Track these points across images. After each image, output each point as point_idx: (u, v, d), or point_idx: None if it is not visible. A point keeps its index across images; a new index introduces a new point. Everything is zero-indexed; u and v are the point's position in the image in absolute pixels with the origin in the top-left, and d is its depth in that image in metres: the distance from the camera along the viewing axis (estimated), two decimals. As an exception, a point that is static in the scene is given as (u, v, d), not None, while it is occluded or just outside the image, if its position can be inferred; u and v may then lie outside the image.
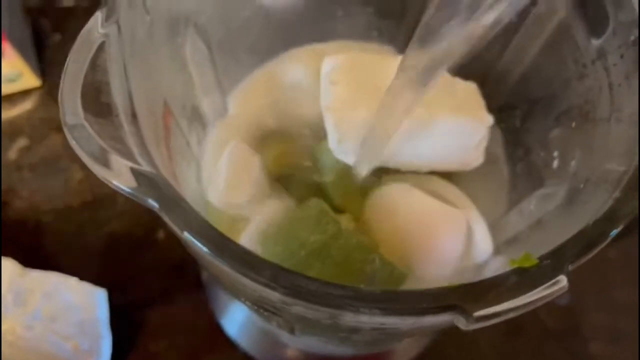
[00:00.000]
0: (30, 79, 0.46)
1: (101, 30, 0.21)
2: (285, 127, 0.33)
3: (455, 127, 0.30)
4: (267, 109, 0.33)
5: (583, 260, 0.18)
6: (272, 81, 0.34)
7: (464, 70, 0.31)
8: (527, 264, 0.18)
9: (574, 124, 0.27)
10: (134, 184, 0.18)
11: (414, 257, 0.29)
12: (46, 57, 0.49)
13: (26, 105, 0.48)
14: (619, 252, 0.45)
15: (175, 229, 0.19)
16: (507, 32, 0.30)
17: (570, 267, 0.18)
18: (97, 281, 0.38)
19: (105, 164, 0.18)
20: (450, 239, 0.30)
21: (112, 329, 0.38)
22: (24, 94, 0.48)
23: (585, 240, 0.19)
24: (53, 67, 0.48)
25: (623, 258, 0.45)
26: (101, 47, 0.21)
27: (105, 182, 0.18)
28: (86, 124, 0.18)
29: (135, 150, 0.19)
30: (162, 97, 0.26)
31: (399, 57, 0.31)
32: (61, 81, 0.19)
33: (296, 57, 0.34)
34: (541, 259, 0.18)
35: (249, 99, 0.33)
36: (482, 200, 0.31)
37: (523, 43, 0.30)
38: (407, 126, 0.29)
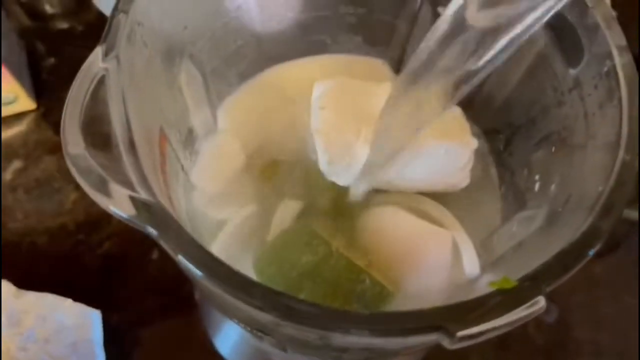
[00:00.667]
0: (25, 102, 0.47)
1: (101, 65, 0.22)
2: (275, 140, 0.34)
3: (442, 150, 0.31)
4: (256, 121, 0.34)
5: (560, 281, 0.19)
6: (262, 93, 0.35)
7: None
8: (506, 286, 0.19)
9: (553, 149, 0.28)
10: (133, 212, 0.19)
11: (402, 276, 0.30)
12: (41, 80, 0.50)
13: (21, 128, 0.48)
14: (605, 269, 0.46)
15: (170, 252, 0.19)
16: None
17: (547, 289, 0.19)
18: (91, 302, 0.39)
19: (106, 192, 0.19)
20: (436, 257, 0.31)
21: (106, 349, 0.38)
22: (19, 116, 0.48)
23: (562, 262, 0.20)
24: (47, 90, 0.49)
25: (608, 274, 0.47)
26: (101, 81, 0.22)
27: (106, 210, 0.19)
28: (87, 155, 0.19)
29: (134, 179, 0.20)
30: (159, 123, 0.27)
31: (387, 84, 0.33)
32: (63, 113, 0.20)
33: (286, 70, 0.35)
34: (520, 281, 0.19)
35: (238, 112, 0.34)
36: (474, 220, 0.32)
37: (505, 71, 0.31)
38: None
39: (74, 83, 0.21)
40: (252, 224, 0.31)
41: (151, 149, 0.24)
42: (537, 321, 0.44)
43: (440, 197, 0.32)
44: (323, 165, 0.31)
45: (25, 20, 0.53)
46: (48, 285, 0.41)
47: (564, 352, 0.44)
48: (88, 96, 0.21)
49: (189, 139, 0.30)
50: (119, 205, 0.19)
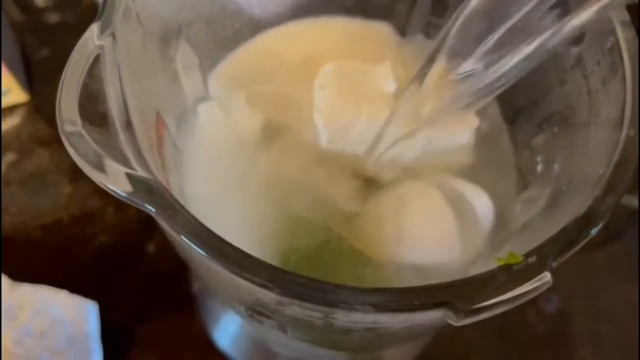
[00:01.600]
0: (18, 95, 0.47)
1: (97, 42, 0.21)
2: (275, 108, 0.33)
3: (443, 129, 0.31)
4: (254, 85, 0.33)
5: (565, 256, 0.19)
6: (258, 56, 0.34)
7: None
8: (512, 261, 0.18)
9: (555, 129, 0.27)
10: (129, 188, 0.19)
11: (411, 250, 0.29)
12: (33, 72, 0.49)
13: (14, 121, 0.48)
14: (606, 258, 0.46)
15: (171, 232, 0.19)
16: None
17: (554, 264, 0.19)
18: (87, 295, 0.38)
19: (102, 169, 0.19)
20: (446, 224, 0.30)
21: (102, 343, 0.38)
22: (12, 109, 0.48)
23: (566, 237, 0.20)
24: (40, 82, 0.49)
25: (609, 264, 0.46)
26: (97, 58, 0.21)
27: (102, 186, 0.19)
28: (83, 132, 0.19)
29: (131, 156, 0.19)
30: (155, 108, 0.26)
31: (387, 63, 0.32)
32: (59, 90, 0.20)
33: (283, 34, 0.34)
34: (526, 256, 0.19)
35: (234, 77, 0.33)
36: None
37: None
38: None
39: (69, 61, 0.21)
40: (249, 203, 0.30)
41: (148, 130, 0.24)
42: (537, 310, 0.44)
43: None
44: (323, 143, 0.31)
45: (17, 14, 0.53)
46: (43, 279, 0.40)
47: (564, 342, 0.44)
48: (84, 74, 0.21)
49: (186, 124, 0.30)
50: (115, 182, 0.18)
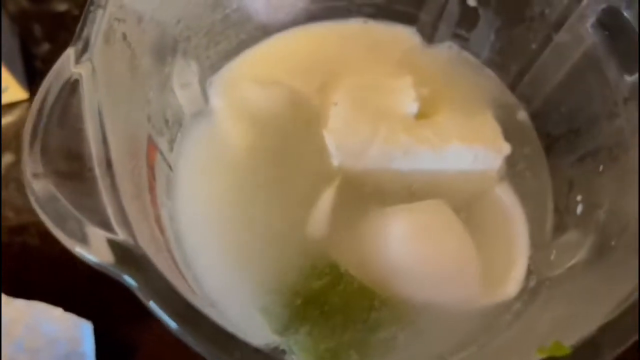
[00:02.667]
0: (16, 92, 0.44)
1: (74, 69, 0.18)
2: (276, 110, 0.29)
3: (468, 154, 0.27)
4: (256, 92, 0.30)
5: (624, 346, 0.16)
6: (261, 62, 0.31)
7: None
8: (558, 354, 0.15)
9: (601, 168, 0.24)
10: (111, 259, 0.16)
11: (427, 296, 0.27)
12: (34, 67, 0.46)
13: (12, 118, 0.45)
14: None
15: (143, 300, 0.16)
16: (526, 58, 0.28)
17: (609, 357, 0.16)
18: (82, 310, 0.36)
19: (80, 237, 0.16)
20: (464, 263, 0.27)
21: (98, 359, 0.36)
22: (10, 106, 0.45)
23: (626, 323, 0.16)
24: (41, 78, 0.46)
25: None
26: (73, 88, 0.18)
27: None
28: (54, 189, 0.16)
29: (111, 212, 0.17)
30: (146, 132, 0.23)
31: (409, 81, 0.29)
32: (24, 131, 0.17)
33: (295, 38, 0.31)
34: (576, 349, 0.16)
35: (234, 85, 0.30)
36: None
37: (543, 72, 0.27)
38: (416, 150, 0.27)
39: (39, 91, 0.18)
40: (250, 235, 0.27)
41: (136, 165, 0.21)
42: None
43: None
44: (336, 163, 0.27)
45: (24, 2, 0.50)
46: (38, 290, 0.38)
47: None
48: (58, 108, 0.18)
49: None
50: (96, 252, 0.16)
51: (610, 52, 0.23)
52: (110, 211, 0.17)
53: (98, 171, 0.18)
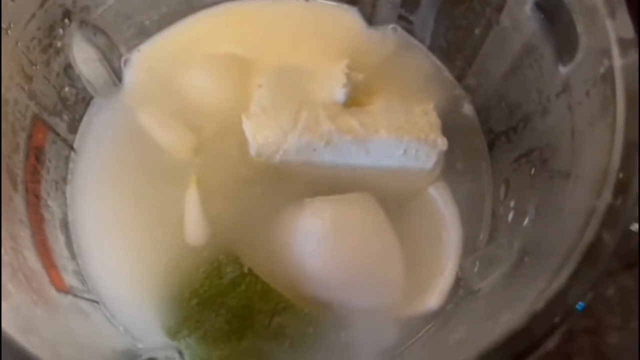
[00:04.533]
0: None
1: None
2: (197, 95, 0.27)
3: (396, 147, 0.25)
4: (175, 75, 0.27)
5: None
6: (184, 40, 0.28)
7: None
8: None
9: (533, 171, 0.21)
10: None
11: (340, 295, 0.24)
12: None
13: None
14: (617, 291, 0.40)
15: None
16: (470, 46, 0.25)
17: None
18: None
19: None
20: (386, 266, 0.25)
21: None
22: None
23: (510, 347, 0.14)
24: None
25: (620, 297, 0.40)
26: None
27: None
28: None
29: None
30: (31, 112, 0.21)
31: (344, 65, 0.26)
32: None
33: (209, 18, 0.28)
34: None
35: (155, 63, 0.27)
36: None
37: (487, 62, 0.25)
38: (339, 141, 0.24)
39: None
40: (152, 218, 0.25)
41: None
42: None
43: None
44: (252, 152, 0.25)
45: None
46: None
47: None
48: None
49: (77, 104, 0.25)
50: None
51: (548, 39, 0.20)
52: None
53: None
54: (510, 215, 0.22)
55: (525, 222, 0.21)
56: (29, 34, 0.21)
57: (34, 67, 0.22)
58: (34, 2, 0.21)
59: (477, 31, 0.24)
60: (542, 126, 0.21)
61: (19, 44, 0.20)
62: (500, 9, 0.22)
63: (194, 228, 0.24)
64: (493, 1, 0.23)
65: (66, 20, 0.22)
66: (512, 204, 0.23)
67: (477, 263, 0.22)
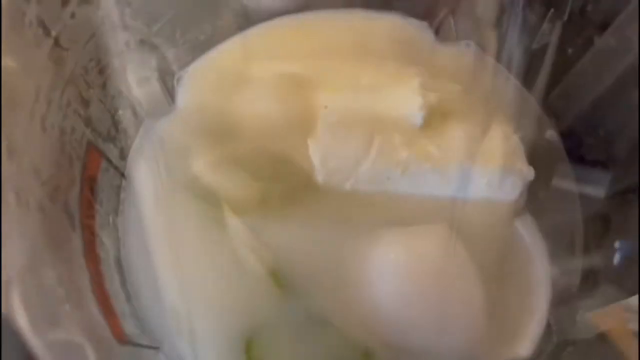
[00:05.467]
0: None
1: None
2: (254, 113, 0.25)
3: (480, 176, 0.23)
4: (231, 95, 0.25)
5: None
6: (240, 55, 0.26)
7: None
8: None
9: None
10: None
11: (418, 342, 0.22)
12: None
13: None
14: None
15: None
16: (559, 65, 0.23)
17: None
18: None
19: None
20: (468, 309, 0.23)
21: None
22: None
23: None
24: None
25: None
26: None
27: None
28: None
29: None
30: (85, 138, 0.19)
31: (416, 84, 0.24)
32: None
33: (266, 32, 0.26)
34: None
35: (201, 87, 0.25)
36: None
37: (579, 83, 0.22)
38: (417, 169, 0.22)
39: None
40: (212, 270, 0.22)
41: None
42: None
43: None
44: (319, 179, 0.23)
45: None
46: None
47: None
48: None
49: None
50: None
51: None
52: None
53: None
54: (617, 258, 0.20)
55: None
56: (88, 54, 0.19)
57: (91, 91, 0.19)
58: (93, 19, 0.18)
59: (569, 50, 0.22)
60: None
61: (77, 64, 0.18)
62: (604, 27, 0.20)
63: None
64: (595, 18, 0.21)
65: (122, 38, 0.20)
66: (616, 244, 0.20)
67: (580, 310, 0.20)
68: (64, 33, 0.17)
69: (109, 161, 0.21)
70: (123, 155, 0.23)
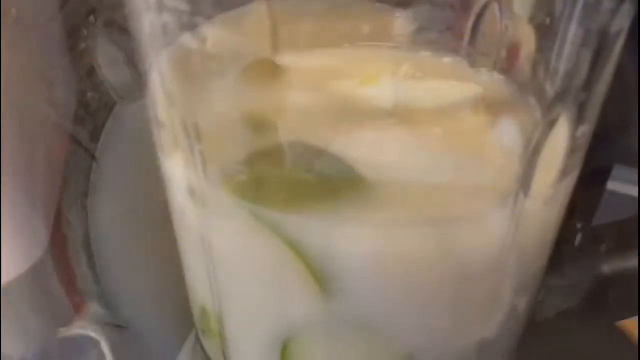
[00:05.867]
0: None
1: None
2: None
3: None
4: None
5: None
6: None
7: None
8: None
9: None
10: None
11: None
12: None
13: None
14: None
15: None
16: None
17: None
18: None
19: None
20: None
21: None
22: None
23: None
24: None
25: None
26: None
27: None
28: None
29: None
30: (50, 120, 0.19)
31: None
32: None
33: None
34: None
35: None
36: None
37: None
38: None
39: None
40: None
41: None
42: None
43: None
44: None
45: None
46: None
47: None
48: None
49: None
50: None
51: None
52: None
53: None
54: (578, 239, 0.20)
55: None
56: (50, 34, 0.19)
57: (55, 72, 0.19)
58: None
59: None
60: None
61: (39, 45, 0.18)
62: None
63: None
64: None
65: (91, 19, 0.20)
66: (578, 225, 0.21)
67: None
68: (27, 15, 0.18)
69: (78, 143, 0.22)
70: (94, 138, 0.23)
